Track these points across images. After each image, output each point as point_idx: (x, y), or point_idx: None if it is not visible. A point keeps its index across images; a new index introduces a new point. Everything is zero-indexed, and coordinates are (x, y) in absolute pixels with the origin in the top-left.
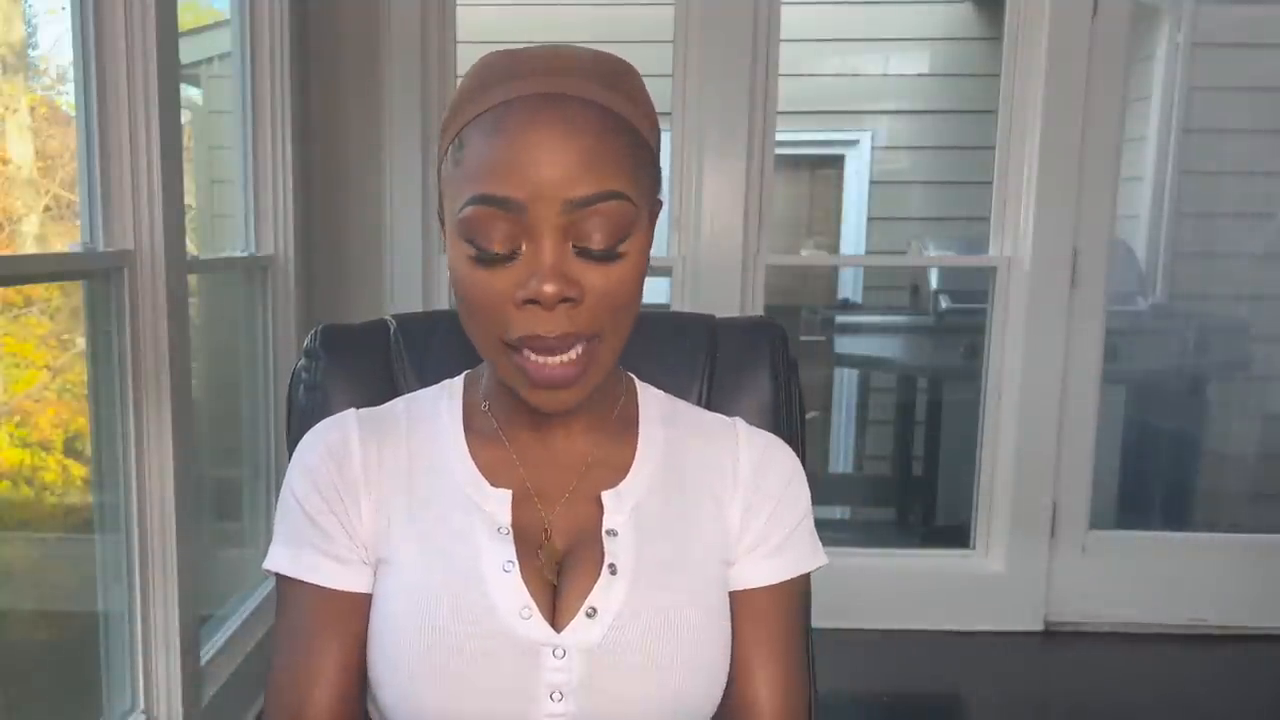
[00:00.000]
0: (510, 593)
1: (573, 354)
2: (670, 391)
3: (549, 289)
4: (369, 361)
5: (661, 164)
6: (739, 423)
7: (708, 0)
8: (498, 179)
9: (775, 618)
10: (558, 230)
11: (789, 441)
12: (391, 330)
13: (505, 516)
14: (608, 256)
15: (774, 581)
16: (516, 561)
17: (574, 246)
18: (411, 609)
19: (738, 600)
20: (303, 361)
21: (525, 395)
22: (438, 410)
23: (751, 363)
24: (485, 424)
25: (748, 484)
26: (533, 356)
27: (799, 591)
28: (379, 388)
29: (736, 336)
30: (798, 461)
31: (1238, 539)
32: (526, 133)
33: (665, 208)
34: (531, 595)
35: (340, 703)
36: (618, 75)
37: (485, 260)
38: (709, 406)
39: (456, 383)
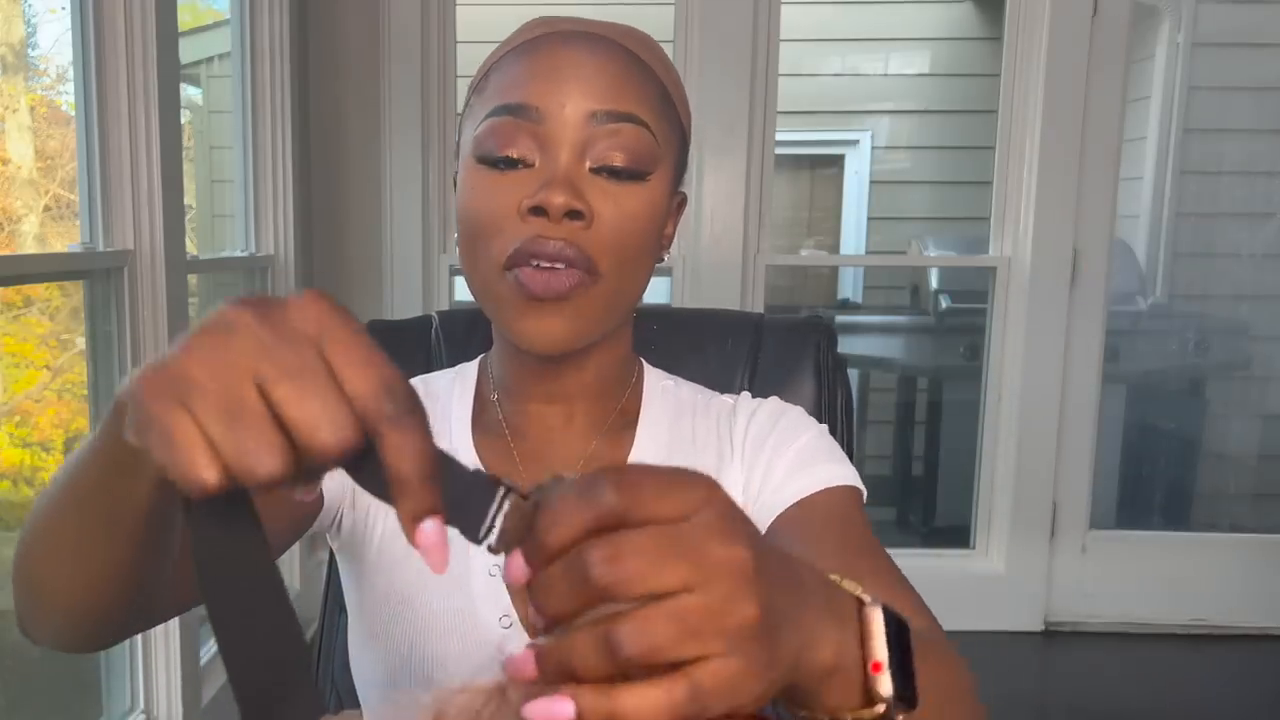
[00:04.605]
0: (492, 599)
1: (569, 270)
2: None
3: (558, 198)
4: (410, 357)
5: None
6: (742, 396)
7: (707, 0)
8: (518, 89)
9: (824, 523)
10: (575, 144)
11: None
12: (434, 326)
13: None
14: (629, 175)
15: (801, 495)
16: (503, 565)
17: (591, 167)
18: (398, 613)
19: (770, 533)
20: None
21: (518, 327)
22: (450, 395)
23: (795, 362)
24: (491, 415)
25: (743, 442)
26: (530, 264)
27: (843, 504)
28: None
29: (782, 336)
30: (794, 407)
31: (1238, 539)
32: (553, 54)
33: None
34: (514, 602)
35: None
36: (652, 44)
37: (495, 164)
38: None
39: (470, 367)
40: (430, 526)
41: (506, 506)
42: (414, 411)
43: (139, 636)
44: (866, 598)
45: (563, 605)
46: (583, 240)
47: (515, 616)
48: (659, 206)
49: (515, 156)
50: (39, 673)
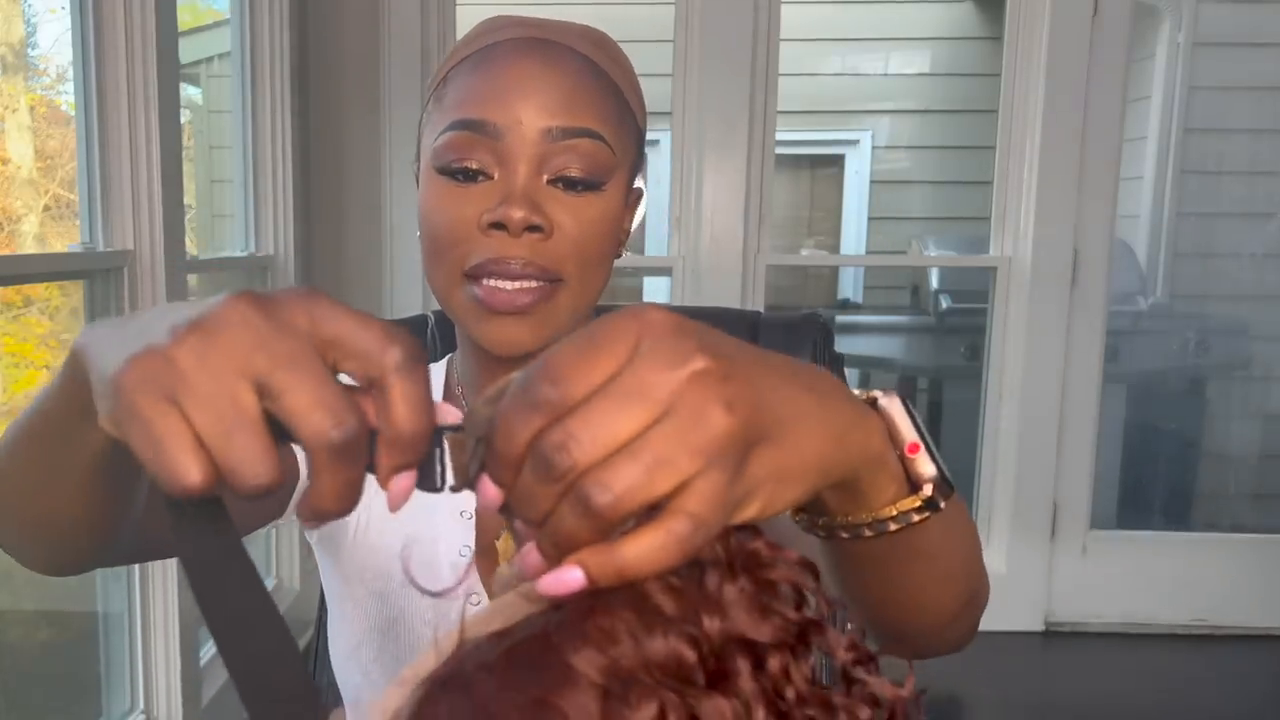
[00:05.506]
0: (461, 580)
1: (530, 283)
2: None
3: (517, 213)
4: None
5: (650, 161)
6: None
7: (708, 0)
8: (475, 105)
9: None
10: (532, 160)
11: None
12: (429, 327)
13: (470, 500)
14: (585, 186)
15: None
16: (473, 547)
17: (548, 179)
18: (373, 598)
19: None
20: None
21: (479, 332)
22: None
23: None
24: (459, 404)
25: None
26: (490, 281)
27: None
28: None
29: (779, 333)
30: None
31: (1238, 539)
32: (509, 67)
33: (665, 208)
34: (483, 583)
35: None
36: (606, 42)
37: (454, 175)
38: None
39: (438, 367)
40: (404, 476)
41: (447, 447)
42: (420, 359)
43: (139, 636)
44: (878, 394)
45: (543, 505)
46: (542, 252)
47: (484, 597)
48: (615, 211)
49: (474, 168)
50: (39, 673)
